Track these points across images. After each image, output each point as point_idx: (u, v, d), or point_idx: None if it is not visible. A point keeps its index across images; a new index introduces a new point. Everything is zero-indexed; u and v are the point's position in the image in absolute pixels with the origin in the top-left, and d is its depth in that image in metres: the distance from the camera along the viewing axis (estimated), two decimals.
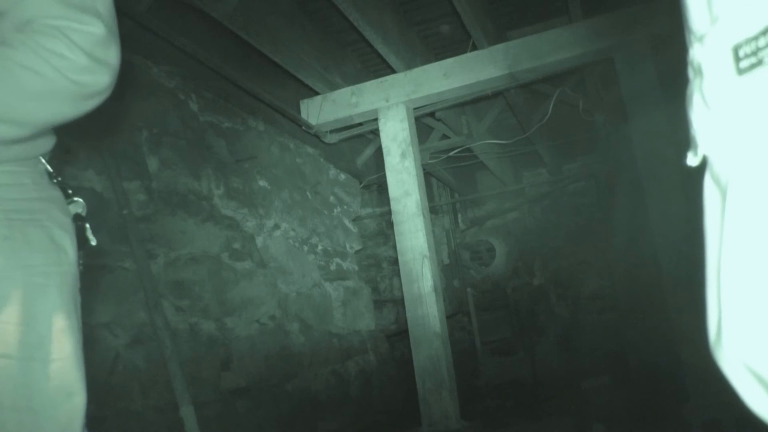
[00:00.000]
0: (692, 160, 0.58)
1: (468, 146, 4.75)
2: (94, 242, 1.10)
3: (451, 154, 4.81)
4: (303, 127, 3.89)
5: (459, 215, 6.92)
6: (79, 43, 0.89)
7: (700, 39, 0.54)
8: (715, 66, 0.52)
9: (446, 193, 6.61)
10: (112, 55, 0.95)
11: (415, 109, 3.81)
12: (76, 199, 1.10)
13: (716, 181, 0.54)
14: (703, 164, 0.57)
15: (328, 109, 3.81)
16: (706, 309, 0.54)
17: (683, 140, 0.60)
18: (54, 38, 0.88)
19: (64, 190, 1.08)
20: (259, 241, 3.54)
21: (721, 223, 0.52)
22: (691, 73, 0.57)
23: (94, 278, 2.42)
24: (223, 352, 3.05)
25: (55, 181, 1.06)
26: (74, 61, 0.89)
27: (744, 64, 0.50)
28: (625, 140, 3.65)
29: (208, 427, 2.71)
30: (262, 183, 3.69)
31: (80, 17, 0.90)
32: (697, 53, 0.55)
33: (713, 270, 0.53)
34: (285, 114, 3.70)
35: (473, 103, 4.26)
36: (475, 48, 3.58)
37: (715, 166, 0.54)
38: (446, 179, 5.88)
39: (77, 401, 0.99)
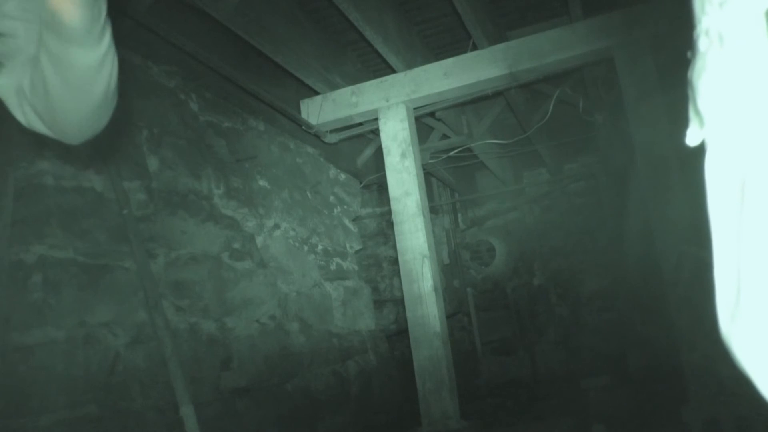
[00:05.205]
0: (694, 138, 0.57)
1: (468, 146, 4.75)
2: None
3: (451, 154, 4.81)
4: (303, 127, 3.89)
5: (459, 215, 6.92)
6: None
7: (721, 5, 0.53)
8: (741, 33, 0.51)
9: (446, 193, 6.61)
10: None
11: (415, 108, 3.80)
12: None
13: (727, 153, 0.53)
14: (702, 148, 0.56)
15: (328, 108, 3.81)
16: (712, 294, 0.53)
17: (682, 140, 0.59)
18: None
19: None
20: (259, 240, 3.54)
21: (741, 199, 0.51)
22: (704, 44, 0.55)
23: (94, 278, 2.42)
24: (223, 351, 3.05)
25: None
26: None
27: None
28: (625, 140, 3.65)
29: (208, 427, 2.71)
30: (262, 183, 3.69)
31: None
32: (715, 21, 0.54)
33: (728, 249, 0.52)
34: (285, 114, 3.69)
35: (473, 102, 4.26)
36: (475, 48, 3.58)
37: (730, 141, 0.53)
38: (446, 179, 5.88)
39: None
